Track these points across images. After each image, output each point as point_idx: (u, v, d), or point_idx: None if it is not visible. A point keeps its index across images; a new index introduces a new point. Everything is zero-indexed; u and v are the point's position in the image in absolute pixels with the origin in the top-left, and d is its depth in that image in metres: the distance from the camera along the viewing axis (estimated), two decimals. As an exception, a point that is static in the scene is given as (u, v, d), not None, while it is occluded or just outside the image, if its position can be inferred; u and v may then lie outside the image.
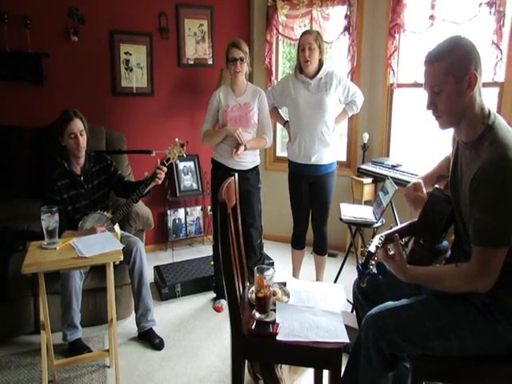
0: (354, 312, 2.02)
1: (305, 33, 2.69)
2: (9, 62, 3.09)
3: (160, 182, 2.47)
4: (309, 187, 2.84)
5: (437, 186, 1.65)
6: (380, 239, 1.51)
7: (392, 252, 1.47)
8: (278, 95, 2.85)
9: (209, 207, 3.99)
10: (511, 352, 1.39)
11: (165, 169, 2.47)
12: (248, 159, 2.72)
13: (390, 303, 1.48)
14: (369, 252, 1.47)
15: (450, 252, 1.59)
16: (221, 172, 2.68)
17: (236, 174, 1.90)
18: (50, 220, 1.97)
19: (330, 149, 2.77)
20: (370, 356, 1.42)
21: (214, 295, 3.02)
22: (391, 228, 1.62)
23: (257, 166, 2.81)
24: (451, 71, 1.31)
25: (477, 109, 1.36)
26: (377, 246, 1.47)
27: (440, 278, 1.39)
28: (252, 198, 2.77)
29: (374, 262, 1.45)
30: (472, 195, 1.32)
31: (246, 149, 2.62)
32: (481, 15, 2.75)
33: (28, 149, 3.02)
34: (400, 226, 1.65)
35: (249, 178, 2.74)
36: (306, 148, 2.74)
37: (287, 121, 2.91)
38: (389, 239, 1.51)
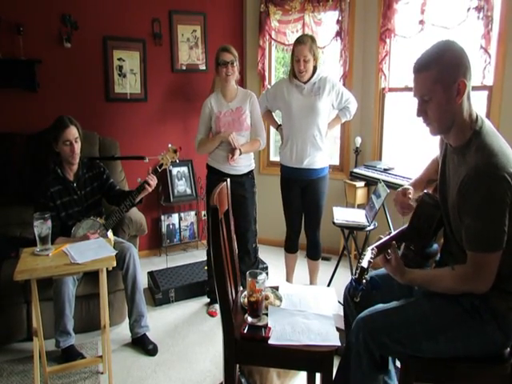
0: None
1: (299, 42, 2.62)
2: (1, 69, 3.09)
3: (150, 189, 2.47)
4: (301, 191, 2.84)
5: (426, 191, 1.66)
6: (372, 253, 1.51)
7: (389, 257, 1.48)
8: (272, 98, 2.87)
9: (203, 212, 4.00)
10: (500, 352, 1.41)
11: (155, 177, 2.47)
12: (243, 163, 2.72)
13: (380, 305, 1.49)
14: (361, 267, 1.47)
15: (439, 255, 1.60)
16: (216, 177, 2.67)
17: (228, 180, 1.90)
18: (42, 226, 1.97)
19: (321, 153, 2.77)
20: (361, 358, 1.42)
21: (208, 300, 3.02)
22: (381, 239, 1.61)
23: (252, 171, 2.82)
24: (439, 80, 1.30)
25: (465, 114, 1.36)
26: (369, 262, 1.48)
27: (436, 281, 1.41)
28: (247, 202, 2.77)
29: (367, 277, 1.45)
30: (460, 201, 1.33)
31: (241, 153, 2.63)
32: (469, 20, 2.79)
33: (20, 155, 3.00)
34: (390, 235, 1.64)
35: (244, 182, 2.75)
36: (298, 151, 2.75)
37: (280, 124, 2.93)
38: (382, 249, 1.52)
